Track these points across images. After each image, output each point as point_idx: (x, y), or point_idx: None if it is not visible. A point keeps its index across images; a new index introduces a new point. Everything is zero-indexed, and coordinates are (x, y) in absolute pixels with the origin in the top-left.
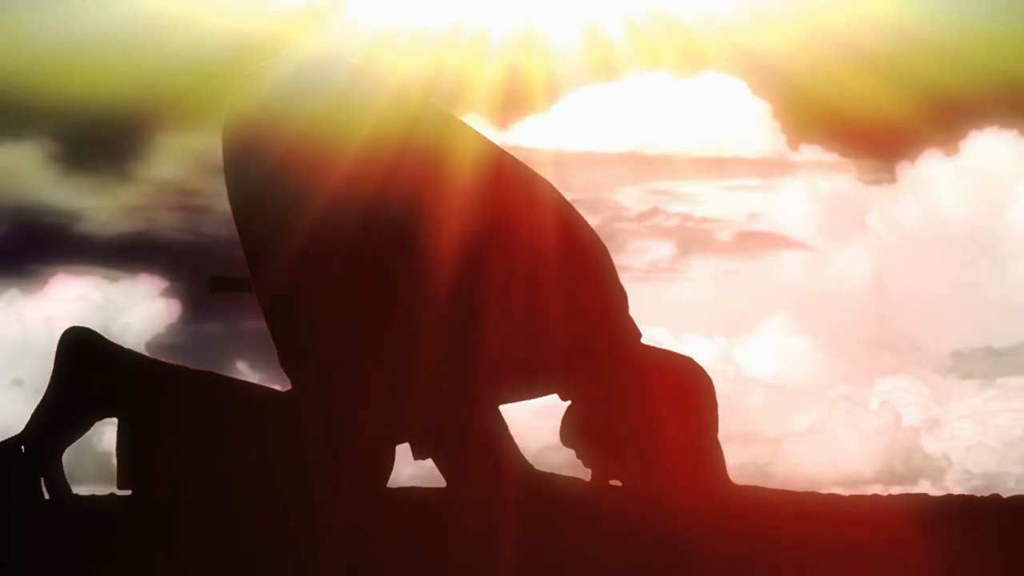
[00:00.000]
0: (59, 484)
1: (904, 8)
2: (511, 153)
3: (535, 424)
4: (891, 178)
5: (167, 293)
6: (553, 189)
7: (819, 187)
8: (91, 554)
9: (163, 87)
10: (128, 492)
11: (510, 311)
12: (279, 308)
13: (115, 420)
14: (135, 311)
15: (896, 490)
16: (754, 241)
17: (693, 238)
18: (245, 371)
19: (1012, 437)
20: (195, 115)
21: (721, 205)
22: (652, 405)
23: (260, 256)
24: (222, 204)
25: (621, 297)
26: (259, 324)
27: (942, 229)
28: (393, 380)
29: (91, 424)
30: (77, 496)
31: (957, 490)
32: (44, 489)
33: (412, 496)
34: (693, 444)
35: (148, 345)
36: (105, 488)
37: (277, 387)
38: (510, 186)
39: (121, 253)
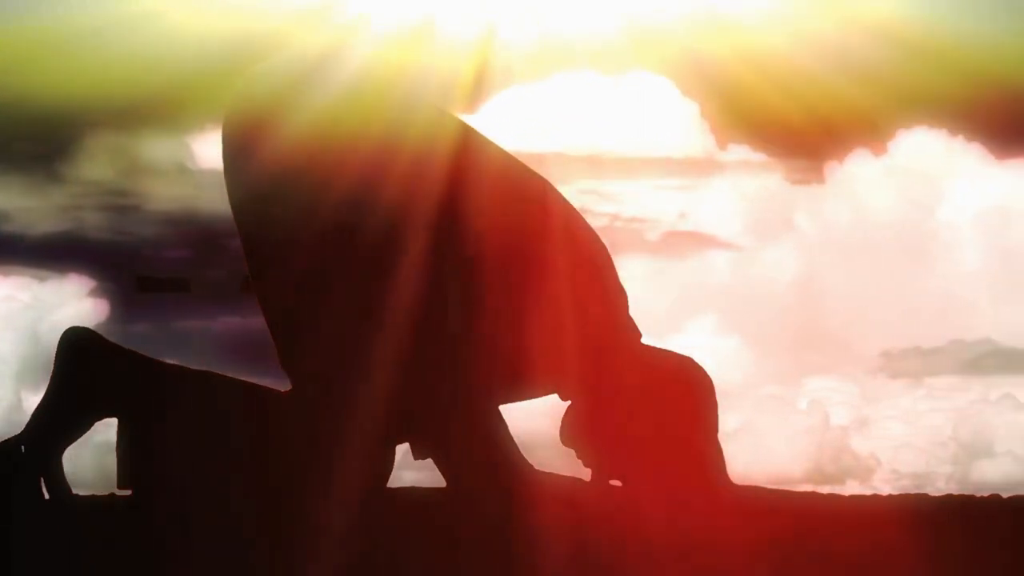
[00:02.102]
0: (59, 484)
1: (832, 9)
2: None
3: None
4: (819, 178)
5: (95, 293)
6: (554, 190)
7: (747, 187)
8: (91, 554)
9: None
10: (128, 492)
11: (511, 311)
12: (279, 308)
13: (115, 420)
14: (63, 311)
15: (824, 490)
16: (682, 241)
17: (621, 238)
18: None
19: (941, 437)
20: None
21: (649, 205)
22: (652, 405)
23: (260, 255)
24: (150, 204)
25: (621, 297)
26: (189, 324)
27: (870, 229)
28: (393, 380)
29: (91, 424)
30: (77, 496)
31: (886, 490)
32: (44, 489)
33: (412, 496)
34: (693, 444)
35: None
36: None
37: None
38: (512, 186)
39: (49, 252)
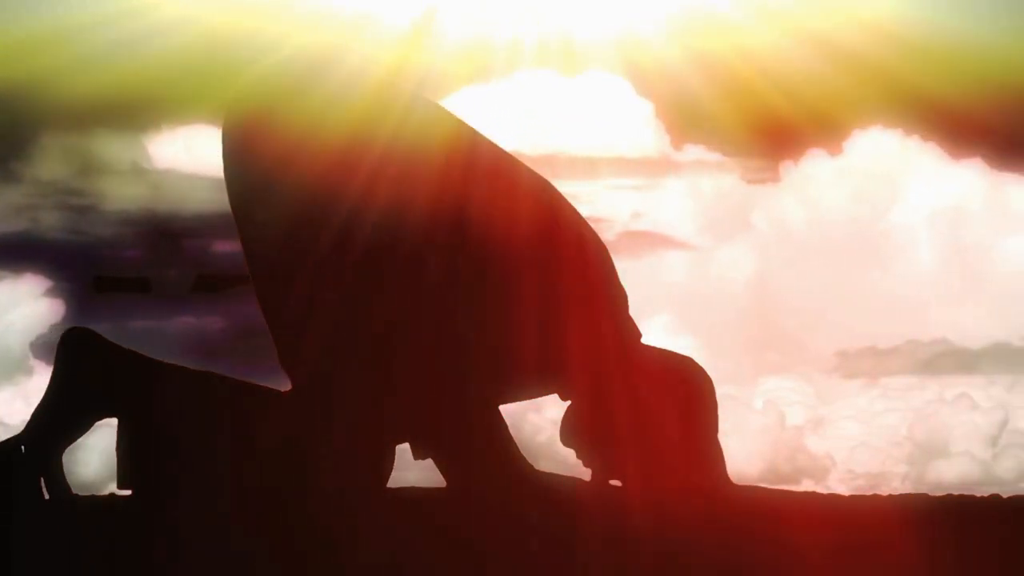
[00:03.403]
0: (59, 484)
1: (787, 10)
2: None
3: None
4: (774, 177)
5: (51, 292)
6: (553, 188)
7: (702, 187)
8: (91, 554)
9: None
10: (128, 492)
11: (510, 310)
12: (279, 308)
13: (115, 420)
14: (18, 311)
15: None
16: (637, 241)
17: None
18: None
19: (896, 436)
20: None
21: (604, 205)
22: (652, 405)
23: (259, 255)
24: (106, 204)
25: (621, 297)
26: (144, 324)
27: (825, 229)
28: (393, 380)
29: (91, 424)
30: (77, 496)
31: (841, 489)
32: (44, 489)
33: (412, 496)
34: (693, 444)
35: (32, 345)
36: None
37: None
38: (511, 185)
39: (4, 252)
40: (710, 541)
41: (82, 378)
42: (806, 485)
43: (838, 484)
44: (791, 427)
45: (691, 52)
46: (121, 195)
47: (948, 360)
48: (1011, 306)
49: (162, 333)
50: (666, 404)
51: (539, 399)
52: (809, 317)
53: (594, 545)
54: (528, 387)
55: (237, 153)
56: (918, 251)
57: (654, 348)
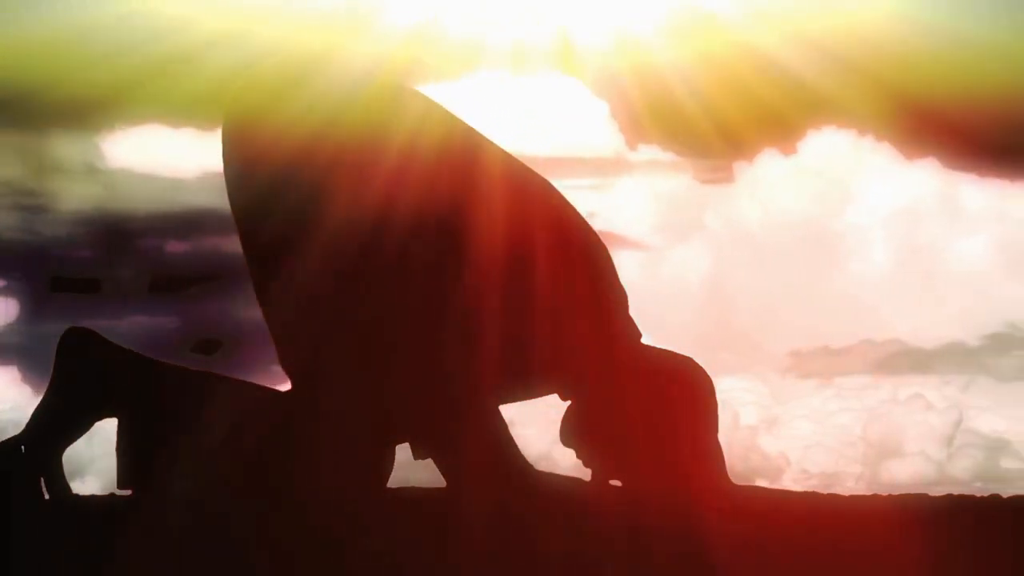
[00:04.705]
0: (59, 484)
1: (739, 10)
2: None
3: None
4: (728, 177)
5: (5, 292)
6: (553, 188)
7: (657, 186)
8: (91, 554)
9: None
10: (128, 492)
11: (510, 310)
12: (279, 308)
13: (115, 420)
14: None
15: None
16: None
17: None
18: None
19: (851, 436)
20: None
21: None
22: (652, 405)
23: (258, 255)
24: (59, 204)
25: (621, 297)
26: (99, 323)
27: (779, 229)
28: (393, 380)
29: (91, 424)
30: (77, 496)
31: (795, 489)
32: (44, 489)
33: (412, 496)
34: (693, 444)
35: None
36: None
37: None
38: (511, 185)
39: None
40: (711, 541)
41: (82, 378)
42: (760, 485)
43: (792, 484)
44: (745, 427)
45: (646, 53)
46: (75, 195)
47: (902, 360)
48: (965, 306)
49: (115, 333)
50: (666, 404)
51: None
52: (763, 317)
53: (594, 545)
54: (529, 387)
55: (236, 153)
56: (872, 251)
57: (654, 348)
